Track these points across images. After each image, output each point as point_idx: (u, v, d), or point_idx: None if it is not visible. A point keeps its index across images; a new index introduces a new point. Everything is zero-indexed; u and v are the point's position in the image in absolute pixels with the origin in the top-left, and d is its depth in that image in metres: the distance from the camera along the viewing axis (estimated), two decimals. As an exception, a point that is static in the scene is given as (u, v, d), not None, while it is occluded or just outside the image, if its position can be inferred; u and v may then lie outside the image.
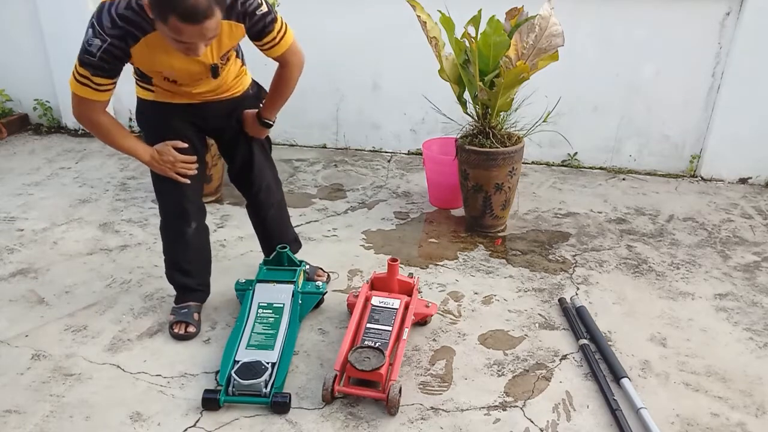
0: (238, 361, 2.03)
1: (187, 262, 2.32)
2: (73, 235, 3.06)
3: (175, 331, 2.26)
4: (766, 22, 3.38)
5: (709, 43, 3.55)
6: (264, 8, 1.92)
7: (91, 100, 1.85)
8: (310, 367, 2.15)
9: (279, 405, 1.93)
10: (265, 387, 1.97)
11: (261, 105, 2.22)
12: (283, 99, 2.19)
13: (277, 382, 2.00)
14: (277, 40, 2.00)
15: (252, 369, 1.99)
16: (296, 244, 2.59)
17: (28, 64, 4.46)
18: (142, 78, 2.07)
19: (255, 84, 2.29)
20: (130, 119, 4.52)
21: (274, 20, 1.96)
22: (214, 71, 1.99)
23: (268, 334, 2.17)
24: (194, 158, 2.14)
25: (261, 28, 1.93)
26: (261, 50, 2.03)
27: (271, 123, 2.22)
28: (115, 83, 1.86)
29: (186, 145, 2.10)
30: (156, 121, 2.15)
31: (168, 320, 2.33)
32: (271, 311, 2.26)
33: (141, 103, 2.17)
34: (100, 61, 1.73)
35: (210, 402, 1.94)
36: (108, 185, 3.64)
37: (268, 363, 2.02)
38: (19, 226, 3.14)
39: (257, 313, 2.25)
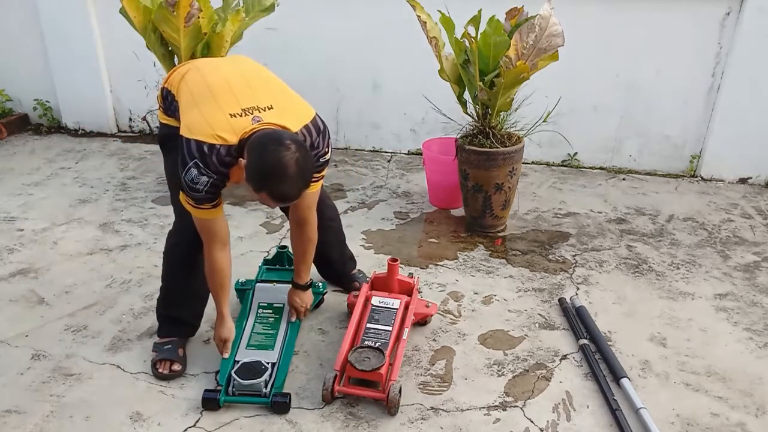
0: (238, 361, 2.03)
1: (186, 292, 2.16)
2: (73, 235, 3.06)
3: (159, 370, 2.09)
4: (766, 22, 3.38)
5: (709, 43, 3.55)
6: (329, 155, 1.99)
7: (207, 219, 1.87)
8: (310, 367, 2.15)
9: (279, 405, 1.93)
10: (265, 387, 1.97)
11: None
12: (310, 257, 2.20)
13: (277, 382, 2.00)
14: (317, 179, 2.01)
15: (252, 369, 1.99)
16: (351, 262, 2.60)
17: (28, 64, 4.46)
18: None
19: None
20: (130, 119, 4.53)
21: (327, 163, 2.01)
22: None
23: (268, 334, 2.17)
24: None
25: (313, 167, 1.92)
26: None
27: (310, 283, 2.26)
28: (220, 201, 1.87)
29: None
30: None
31: (150, 357, 2.16)
32: (271, 311, 2.26)
33: (173, 129, 1.99)
34: (205, 194, 1.79)
35: (210, 402, 1.94)
36: (108, 185, 3.64)
37: (268, 363, 2.02)
38: (19, 226, 3.14)
39: (257, 313, 2.25)
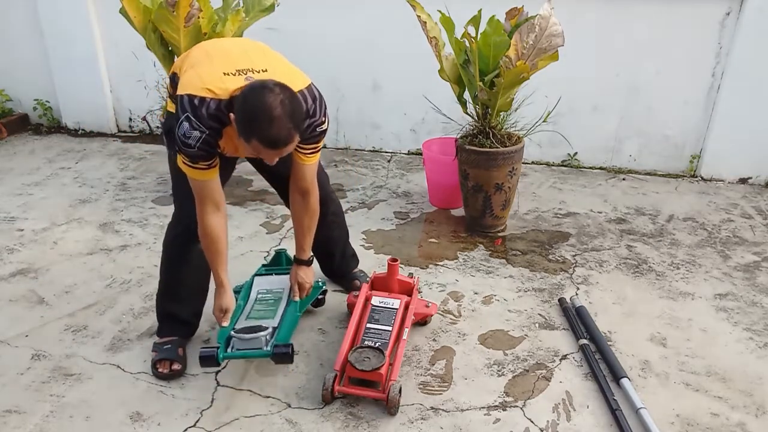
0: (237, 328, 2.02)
1: (184, 286, 2.17)
2: (73, 235, 3.06)
3: (159, 370, 2.09)
4: (766, 22, 3.38)
5: (709, 43, 3.55)
6: (326, 126, 1.98)
7: (201, 180, 1.86)
8: (310, 367, 2.15)
9: (281, 356, 1.90)
10: (266, 345, 1.95)
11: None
12: (313, 230, 2.18)
13: (278, 340, 1.98)
14: (315, 150, 2.02)
15: (252, 329, 1.97)
16: (354, 260, 2.60)
17: (28, 64, 4.46)
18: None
19: None
20: (130, 119, 4.53)
21: (324, 133, 2.00)
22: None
23: (269, 309, 2.16)
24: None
25: (311, 136, 1.95)
26: (296, 151, 2.00)
27: (312, 259, 2.25)
28: (216, 162, 1.87)
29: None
30: None
31: (150, 357, 2.15)
32: (270, 296, 2.25)
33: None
34: (198, 151, 1.78)
35: (208, 360, 1.89)
36: (108, 185, 3.64)
37: (268, 326, 2.01)
38: (19, 226, 3.14)
39: (257, 297, 2.24)
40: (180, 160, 1.85)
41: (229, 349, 1.94)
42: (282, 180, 2.17)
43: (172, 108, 2.04)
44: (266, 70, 1.81)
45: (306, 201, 2.10)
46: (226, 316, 2.02)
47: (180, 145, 1.79)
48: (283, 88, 1.68)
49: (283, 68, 1.90)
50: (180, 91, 1.79)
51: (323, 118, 1.95)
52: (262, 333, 1.95)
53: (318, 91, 1.94)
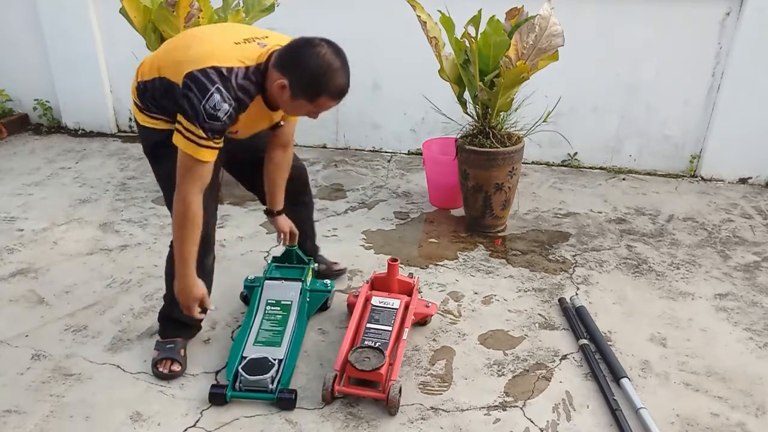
0: (245, 357, 2.04)
1: None
2: (73, 235, 3.06)
3: (160, 369, 2.08)
4: (766, 22, 3.38)
5: (709, 43, 3.55)
6: None
7: (205, 161, 1.79)
8: (310, 367, 2.15)
9: (285, 401, 1.94)
10: (272, 383, 1.97)
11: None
12: (284, 184, 2.26)
13: (283, 378, 2.01)
14: None
15: (259, 365, 2.00)
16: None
17: (28, 64, 4.46)
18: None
19: None
20: (130, 119, 4.53)
21: None
22: (276, 126, 2.08)
23: (276, 330, 2.17)
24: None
25: None
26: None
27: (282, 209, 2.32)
28: (222, 143, 1.82)
29: (213, 308, 2.05)
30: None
31: (152, 356, 2.15)
32: (279, 308, 2.26)
33: (163, 133, 1.92)
34: (222, 124, 1.74)
35: (217, 397, 1.95)
36: (108, 185, 3.64)
37: (274, 359, 2.03)
38: (19, 226, 3.14)
39: (265, 309, 2.25)
40: (184, 139, 1.75)
41: (236, 384, 1.98)
42: (245, 165, 2.23)
43: (149, 122, 1.95)
44: (267, 36, 1.84)
45: (286, 152, 2.18)
46: (205, 301, 1.97)
47: (204, 118, 1.71)
48: (326, 40, 1.73)
49: (275, 33, 1.91)
50: (196, 66, 1.71)
51: None
52: (267, 375, 1.97)
53: None
